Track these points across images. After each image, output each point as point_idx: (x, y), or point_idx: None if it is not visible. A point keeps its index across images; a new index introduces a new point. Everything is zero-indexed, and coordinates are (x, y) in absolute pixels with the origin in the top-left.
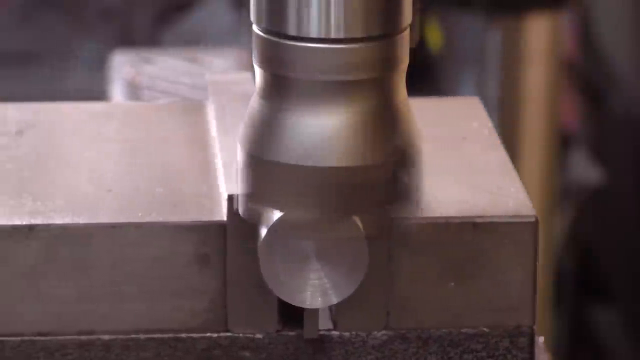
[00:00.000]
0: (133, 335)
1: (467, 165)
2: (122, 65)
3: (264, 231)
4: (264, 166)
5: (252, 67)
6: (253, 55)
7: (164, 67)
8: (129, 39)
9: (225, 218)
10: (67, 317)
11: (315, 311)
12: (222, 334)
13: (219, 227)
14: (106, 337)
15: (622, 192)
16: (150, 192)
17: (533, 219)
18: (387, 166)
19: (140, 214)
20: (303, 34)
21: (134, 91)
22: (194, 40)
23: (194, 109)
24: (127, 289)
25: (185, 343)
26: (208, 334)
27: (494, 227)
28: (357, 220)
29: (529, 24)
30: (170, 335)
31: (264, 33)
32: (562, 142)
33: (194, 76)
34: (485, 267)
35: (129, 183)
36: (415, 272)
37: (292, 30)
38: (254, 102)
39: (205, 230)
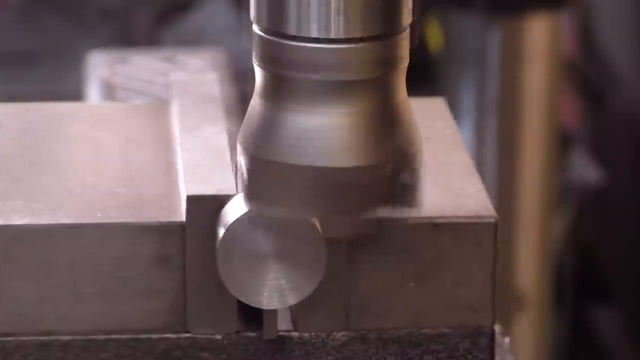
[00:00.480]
0: (92, 336)
1: (430, 165)
2: (98, 66)
3: (222, 231)
4: (263, 166)
5: (228, 67)
6: (253, 54)
7: (140, 67)
8: (129, 39)
9: (184, 218)
10: (26, 318)
11: (274, 312)
12: (181, 335)
13: (178, 228)
14: (66, 337)
15: (622, 192)
16: (111, 193)
17: (493, 220)
18: (387, 166)
19: (100, 215)
20: (303, 34)
21: (110, 91)
22: (194, 40)
23: (158, 110)
24: (86, 290)
25: (144, 344)
26: (167, 335)
27: (454, 227)
28: (316, 221)
29: (529, 24)
30: (130, 336)
31: (263, 33)
32: (562, 142)
33: (169, 77)
34: (446, 267)
35: (90, 183)
36: (375, 273)
37: (292, 30)
38: (254, 102)
39: (165, 231)
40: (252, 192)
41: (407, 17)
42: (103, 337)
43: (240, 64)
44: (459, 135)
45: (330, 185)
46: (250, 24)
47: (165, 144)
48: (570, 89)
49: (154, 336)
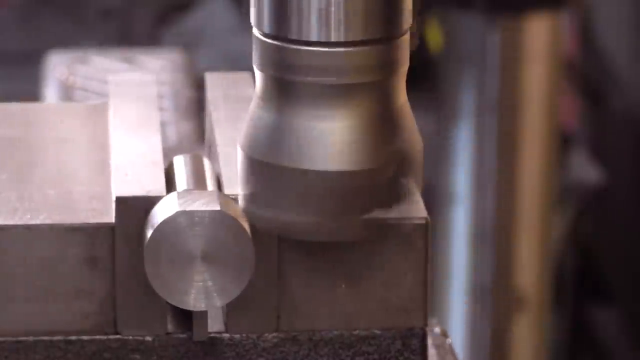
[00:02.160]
0: (22, 338)
1: None
2: (57, 66)
3: (149, 232)
4: (263, 169)
5: (187, 68)
6: (253, 58)
7: (99, 67)
8: (129, 39)
9: (114, 220)
10: None
11: (204, 313)
12: (111, 337)
13: (107, 229)
14: None
15: (622, 192)
16: (41, 194)
17: (424, 221)
18: (388, 169)
19: (29, 216)
20: (303, 37)
21: (67, 92)
22: (194, 40)
23: (97, 110)
24: (15, 291)
25: (75, 345)
26: (98, 337)
27: (386, 228)
28: (243, 221)
29: (529, 24)
30: (60, 337)
31: (264, 36)
32: (562, 142)
33: None
34: (377, 268)
35: (20, 184)
36: (306, 274)
37: (292, 34)
38: (254, 105)
39: (94, 232)
40: (252, 195)
41: (407, 21)
42: (33, 338)
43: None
44: None
45: (331, 189)
46: (250, 25)
47: (99, 145)
48: (570, 89)
49: (84, 338)
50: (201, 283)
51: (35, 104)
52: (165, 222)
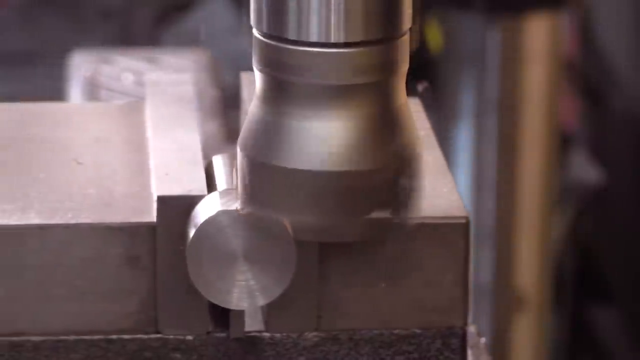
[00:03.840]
0: (63, 337)
1: None
2: (81, 65)
3: (192, 232)
4: (262, 170)
5: (211, 68)
6: (253, 59)
7: (123, 67)
8: (129, 39)
9: (155, 219)
10: None
11: (241, 312)
12: (152, 336)
13: (149, 228)
14: (36, 338)
15: (622, 192)
16: (81, 193)
17: (464, 220)
18: (387, 170)
19: (70, 215)
20: (303, 38)
21: (92, 91)
22: (194, 40)
23: (132, 110)
24: (57, 290)
25: (115, 345)
26: (138, 336)
27: (425, 227)
28: (286, 222)
29: (529, 24)
30: (101, 336)
31: (264, 37)
32: (562, 142)
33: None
34: (417, 268)
35: (60, 184)
36: (346, 273)
37: (292, 35)
38: (254, 106)
39: (135, 232)
40: (252, 196)
41: (407, 22)
42: (74, 337)
43: (241, 65)
44: (433, 135)
45: (331, 189)
46: (250, 26)
47: (137, 145)
48: (570, 89)
49: (125, 337)
50: (244, 282)
51: (69, 103)
52: (207, 222)
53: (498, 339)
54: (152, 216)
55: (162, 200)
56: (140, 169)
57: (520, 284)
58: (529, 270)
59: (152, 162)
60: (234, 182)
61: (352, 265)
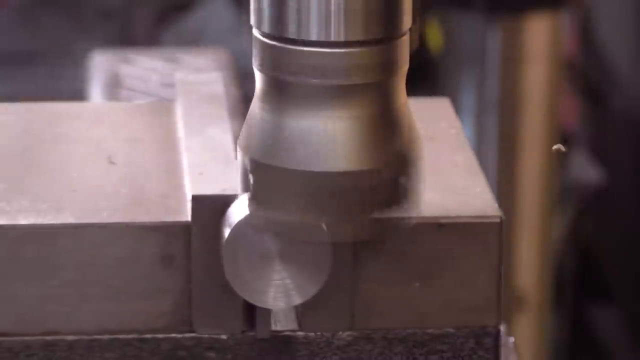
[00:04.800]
0: (97, 336)
1: (434, 165)
2: (102, 65)
3: (227, 231)
4: (263, 170)
5: (231, 67)
6: (253, 59)
7: (143, 67)
8: (129, 39)
9: (190, 218)
10: (31, 318)
11: (268, 312)
12: (186, 335)
13: (183, 228)
14: (70, 337)
15: (622, 192)
16: (115, 193)
17: (498, 220)
18: (387, 170)
19: (104, 215)
20: (303, 38)
21: (113, 91)
22: (194, 40)
23: (162, 110)
24: (91, 290)
25: (149, 344)
26: (173, 335)
27: (459, 227)
28: (322, 224)
29: (529, 24)
30: (135, 335)
31: (264, 37)
32: (562, 142)
33: (173, 76)
34: (451, 267)
35: (94, 183)
36: (380, 273)
37: (292, 34)
38: (254, 106)
39: (170, 231)
40: (252, 196)
41: (407, 22)
42: (108, 337)
43: (241, 64)
44: (464, 135)
45: (330, 189)
46: (250, 26)
47: (169, 144)
48: (570, 89)
49: (159, 336)
50: (279, 281)
51: (102, 103)
52: (242, 221)
53: None
54: (187, 215)
55: (196, 199)
56: (173, 168)
57: (520, 284)
58: (529, 270)
59: (186, 162)
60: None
61: (386, 264)
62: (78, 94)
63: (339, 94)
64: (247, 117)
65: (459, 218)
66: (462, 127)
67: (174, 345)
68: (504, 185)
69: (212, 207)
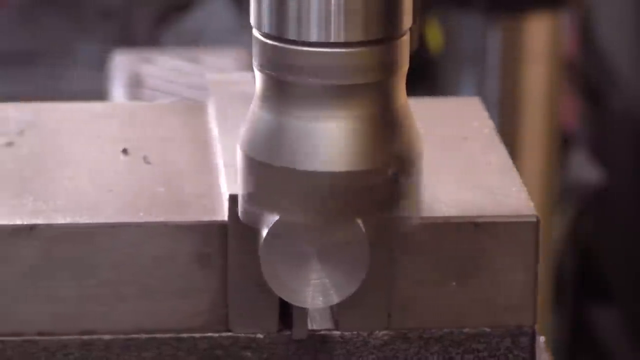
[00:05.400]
0: (134, 335)
1: (468, 165)
2: (123, 65)
3: (265, 232)
4: (263, 170)
5: (252, 67)
6: (253, 59)
7: (165, 67)
8: (129, 39)
9: (226, 218)
10: (68, 317)
11: (304, 312)
12: (223, 334)
13: (220, 227)
14: (107, 336)
15: (622, 192)
16: (151, 192)
17: (534, 219)
18: (387, 170)
19: (141, 214)
20: (303, 38)
21: (135, 91)
22: (194, 40)
23: (194, 109)
24: (128, 289)
25: (186, 343)
26: (209, 334)
27: (495, 227)
28: (360, 223)
29: (529, 24)
30: (172, 335)
31: (264, 37)
32: (562, 142)
33: (195, 76)
34: (486, 267)
35: (129, 183)
36: (417, 272)
37: (292, 35)
38: (254, 106)
39: (206, 230)
40: (252, 196)
41: (407, 22)
42: (145, 336)
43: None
44: (496, 134)
45: (330, 189)
46: (251, 26)
47: (203, 144)
48: (570, 89)
49: (196, 335)
50: (318, 281)
51: (136, 103)
52: (281, 222)
53: None
54: (223, 215)
55: (233, 199)
56: (209, 167)
57: None
58: None
59: (221, 161)
60: None
61: (423, 264)
62: (79, 94)
63: (339, 94)
64: (247, 116)
65: (494, 217)
66: (494, 126)
67: (211, 345)
68: None
69: None
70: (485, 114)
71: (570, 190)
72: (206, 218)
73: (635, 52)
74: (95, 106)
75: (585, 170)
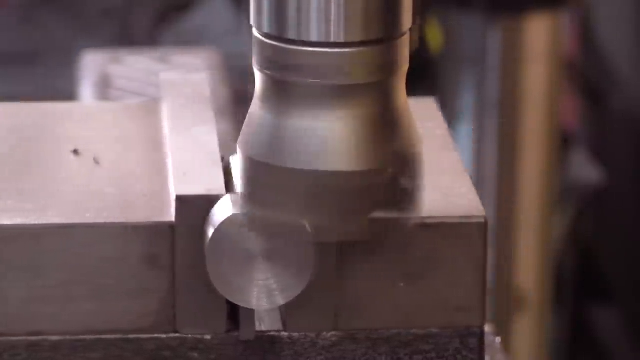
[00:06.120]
0: (82, 336)
1: None
2: (92, 65)
3: (211, 231)
4: (263, 170)
5: (222, 67)
6: (253, 59)
7: (134, 67)
8: (129, 39)
9: (174, 219)
10: (16, 318)
11: (252, 313)
12: (171, 335)
13: (168, 228)
14: (55, 337)
15: (622, 192)
16: (100, 193)
17: (483, 220)
18: (387, 170)
19: (89, 215)
20: (303, 38)
21: (103, 91)
22: (194, 40)
23: (149, 109)
24: (76, 290)
25: (133, 344)
26: (157, 335)
27: (444, 227)
28: (304, 222)
29: (529, 24)
30: (119, 336)
31: (263, 37)
32: (562, 142)
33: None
34: (436, 267)
35: (79, 184)
36: (365, 273)
37: (292, 35)
38: (254, 106)
39: (154, 231)
40: (252, 196)
41: (407, 22)
42: (92, 337)
43: (241, 64)
44: (449, 136)
45: (330, 189)
46: (250, 26)
47: (155, 144)
48: (570, 89)
49: (143, 336)
50: (263, 281)
51: (91, 103)
52: (226, 222)
53: None
54: (172, 216)
55: (181, 199)
56: (159, 168)
57: (520, 284)
58: (529, 270)
59: (171, 162)
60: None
61: (371, 264)
62: (74, 94)
63: (339, 94)
64: (247, 116)
65: (443, 218)
66: (447, 127)
67: (158, 346)
68: (504, 185)
69: (196, 207)
70: (439, 115)
71: (570, 190)
72: (154, 219)
73: (635, 52)
74: (48, 106)
75: (585, 170)
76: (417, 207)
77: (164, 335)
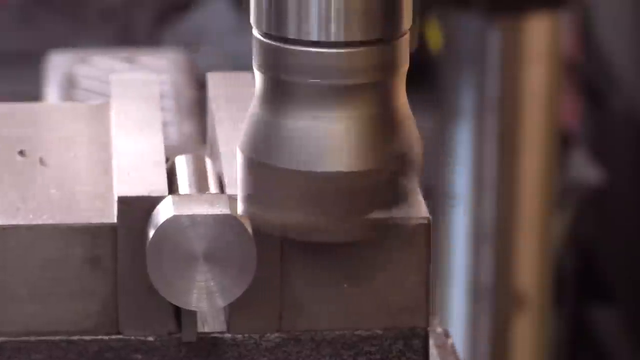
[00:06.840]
0: (24, 338)
1: None
2: (58, 65)
3: (152, 232)
4: (262, 170)
5: (188, 68)
6: (253, 59)
7: (100, 67)
8: (129, 39)
9: (116, 220)
10: None
11: (193, 314)
12: (113, 337)
13: (109, 229)
14: None
15: (622, 192)
16: (43, 194)
17: (426, 221)
18: (386, 170)
19: (31, 216)
20: (303, 38)
21: (68, 92)
22: (194, 40)
23: (99, 110)
24: (18, 291)
25: (77, 345)
26: (100, 337)
27: (387, 228)
28: (245, 222)
29: (529, 24)
30: (62, 337)
31: (263, 37)
32: (562, 142)
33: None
34: (379, 268)
35: (23, 184)
36: (308, 274)
37: (291, 34)
38: (254, 106)
39: (96, 232)
40: (251, 196)
41: (406, 21)
42: (35, 338)
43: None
44: None
45: (330, 189)
46: (250, 26)
47: (102, 145)
48: (571, 89)
49: (86, 337)
50: (203, 283)
51: (38, 103)
52: (167, 223)
53: (498, 339)
54: (114, 217)
55: (122, 201)
56: (105, 169)
57: (520, 284)
58: (529, 270)
59: (115, 163)
60: (196, 183)
61: (315, 265)
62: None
63: (339, 94)
64: (247, 117)
65: (387, 219)
66: None
67: (101, 347)
68: (504, 185)
69: (138, 209)
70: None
71: (570, 190)
72: (96, 220)
73: (635, 52)
74: (1, 107)
75: (585, 170)
76: (419, 206)
77: (106, 337)
